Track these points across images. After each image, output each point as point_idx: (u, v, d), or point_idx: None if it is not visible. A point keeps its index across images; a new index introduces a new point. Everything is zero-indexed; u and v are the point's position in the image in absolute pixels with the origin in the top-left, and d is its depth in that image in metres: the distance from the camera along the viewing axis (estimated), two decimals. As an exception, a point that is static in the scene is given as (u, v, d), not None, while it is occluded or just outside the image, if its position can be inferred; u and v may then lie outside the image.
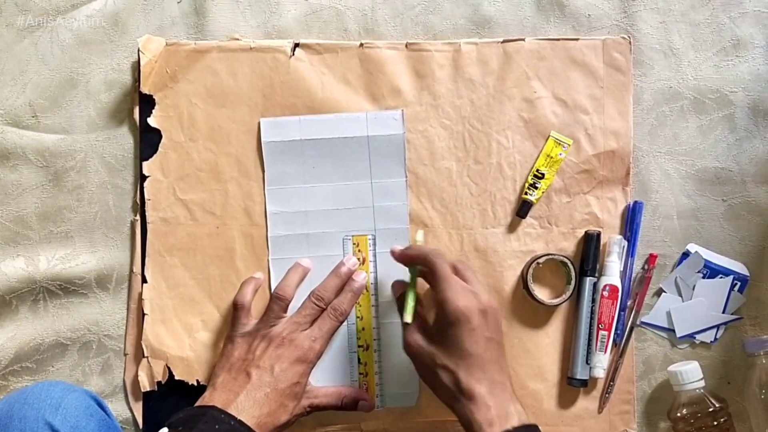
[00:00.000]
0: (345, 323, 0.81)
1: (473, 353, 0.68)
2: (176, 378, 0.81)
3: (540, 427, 0.80)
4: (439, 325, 0.70)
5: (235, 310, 0.79)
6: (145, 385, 0.81)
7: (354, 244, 0.82)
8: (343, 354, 0.81)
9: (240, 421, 0.68)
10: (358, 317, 0.82)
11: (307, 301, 0.79)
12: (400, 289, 0.78)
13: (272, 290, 0.80)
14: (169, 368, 0.81)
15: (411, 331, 0.72)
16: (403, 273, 0.77)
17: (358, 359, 0.81)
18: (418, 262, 0.75)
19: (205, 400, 0.72)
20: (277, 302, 0.78)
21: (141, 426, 0.81)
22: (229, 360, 0.76)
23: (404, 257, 0.76)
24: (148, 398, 0.81)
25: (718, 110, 0.83)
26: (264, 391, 0.72)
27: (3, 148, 0.81)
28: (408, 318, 0.73)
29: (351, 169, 0.82)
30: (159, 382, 0.81)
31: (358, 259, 0.81)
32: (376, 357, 0.82)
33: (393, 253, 0.76)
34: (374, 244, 0.82)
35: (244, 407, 0.70)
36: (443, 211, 0.82)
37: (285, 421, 0.73)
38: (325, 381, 0.81)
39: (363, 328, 0.81)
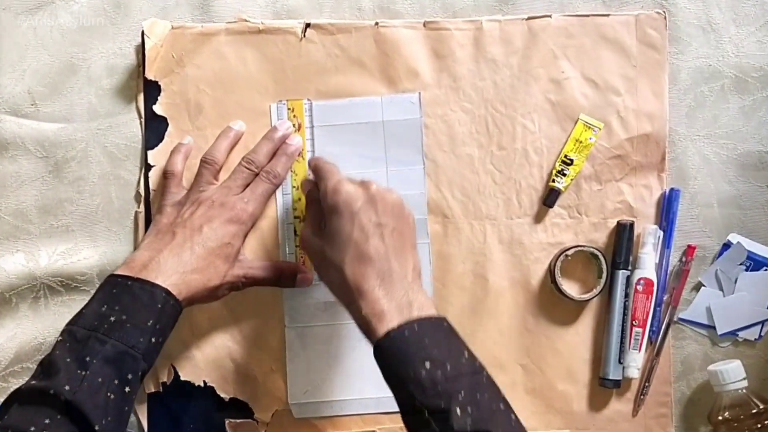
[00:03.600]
0: (280, 193, 0.78)
1: (357, 241, 0.64)
2: (182, 378, 0.78)
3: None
4: (326, 218, 0.67)
5: (165, 179, 0.77)
6: (150, 387, 0.78)
7: (289, 109, 0.79)
8: (279, 226, 0.79)
9: (122, 275, 0.66)
10: (294, 187, 0.79)
11: (237, 166, 0.77)
12: (308, 186, 0.74)
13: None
14: (174, 368, 0.78)
15: (305, 225, 0.71)
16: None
17: (294, 231, 0.78)
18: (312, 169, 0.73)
19: (126, 260, 0.70)
20: (206, 167, 0.76)
21: (146, 429, 0.78)
22: (156, 226, 0.74)
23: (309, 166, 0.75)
24: (152, 400, 0.79)
25: (762, 89, 0.80)
26: (191, 249, 0.69)
27: (1, 138, 0.79)
28: None
29: (365, 156, 0.79)
30: (164, 383, 0.78)
31: (294, 125, 0.78)
32: None
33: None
34: (310, 110, 0.78)
35: (167, 262, 0.68)
36: (464, 201, 0.79)
37: (217, 284, 0.71)
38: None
39: (299, 199, 0.78)
